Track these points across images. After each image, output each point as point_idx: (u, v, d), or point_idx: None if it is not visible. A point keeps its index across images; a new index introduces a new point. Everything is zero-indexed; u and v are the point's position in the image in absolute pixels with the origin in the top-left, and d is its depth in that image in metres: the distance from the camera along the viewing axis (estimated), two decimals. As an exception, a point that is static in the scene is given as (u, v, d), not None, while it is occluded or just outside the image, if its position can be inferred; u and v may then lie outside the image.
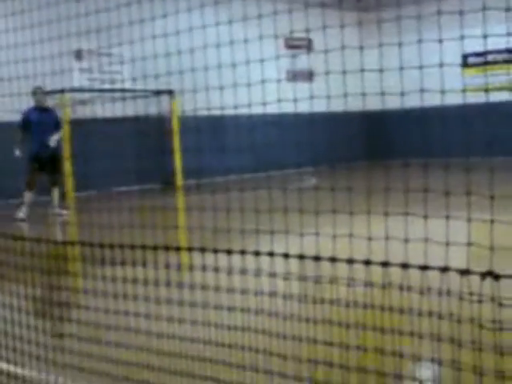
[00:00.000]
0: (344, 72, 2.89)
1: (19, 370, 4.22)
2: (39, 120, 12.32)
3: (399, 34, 3.42)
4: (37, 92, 12.42)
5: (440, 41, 2.53)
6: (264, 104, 3.46)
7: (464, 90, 17.43)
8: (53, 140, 12.38)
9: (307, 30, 3.13)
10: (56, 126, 12.62)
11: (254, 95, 4.11)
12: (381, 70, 2.71)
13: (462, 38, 2.62)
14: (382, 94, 2.68)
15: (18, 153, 12.15)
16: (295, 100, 3.33)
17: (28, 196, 12.23)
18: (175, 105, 17.55)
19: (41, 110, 12.51)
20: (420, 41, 2.53)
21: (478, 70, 21.13)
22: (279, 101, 3.47)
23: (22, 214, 12.21)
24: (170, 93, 17.28)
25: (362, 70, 2.77)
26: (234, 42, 3.41)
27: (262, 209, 3.63)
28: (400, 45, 2.66)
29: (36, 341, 4.08)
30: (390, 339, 2.96)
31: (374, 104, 20.14)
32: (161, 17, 4.20)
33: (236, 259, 3.28)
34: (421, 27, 2.77)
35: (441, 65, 2.41)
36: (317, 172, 19.20)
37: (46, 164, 12.42)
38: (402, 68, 2.65)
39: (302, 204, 3.29)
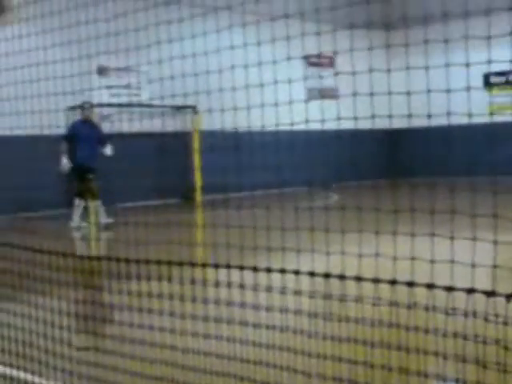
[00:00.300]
0: (371, 94, 2.93)
1: (44, 382, 4.27)
2: (86, 133, 12.76)
3: (425, 55, 3.45)
4: (84, 106, 12.91)
5: (467, 65, 2.57)
6: (291, 124, 3.51)
7: (491, 113, 17.36)
8: (109, 149, 12.80)
9: (335, 53, 3.18)
10: (100, 139, 12.99)
11: (279, 114, 4.17)
12: (408, 93, 2.75)
13: (489, 61, 2.66)
14: (409, 116, 2.72)
15: (65, 164, 12.55)
16: (322, 120, 3.37)
17: (80, 204, 12.58)
18: (197, 121, 17.65)
19: (87, 123, 12.95)
20: (447, 65, 2.57)
21: (501, 89, 21.09)
22: (307, 121, 3.51)
23: (75, 223, 12.56)
24: (194, 109, 17.39)
25: (390, 93, 2.81)
26: (262, 63, 3.46)
27: (288, 226, 3.66)
28: (427, 68, 2.70)
29: (61, 353, 4.13)
30: (415, 359, 2.97)
31: (398, 122, 20.12)
32: (189, 37, 4.28)
33: (262, 276, 3.32)
34: (447, 47, 2.81)
35: (468, 88, 2.44)
36: (339, 189, 19.21)
37: (90, 176, 12.74)
38: (429, 91, 2.69)
39: (328, 222, 3.32)
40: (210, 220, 13.23)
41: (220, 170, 17.04)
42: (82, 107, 13.06)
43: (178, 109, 17.30)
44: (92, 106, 13.37)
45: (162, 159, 16.91)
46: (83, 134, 12.72)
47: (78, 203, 12.70)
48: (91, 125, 13.12)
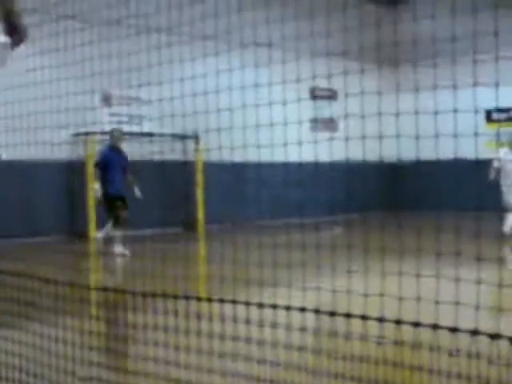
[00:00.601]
0: (378, 137, 2.99)
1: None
2: (116, 161, 12.81)
3: (433, 90, 3.50)
4: (115, 133, 12.97)
5: (475, 111, 2.63)
6: (299, 154, 3.57)
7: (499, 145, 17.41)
8: (138, 192, 12.89)
9: (342, 91, 3.25)
10: (126, 166, 13.06)
11: (279, 145, 4.22)
12: (416, 138, 2.81)
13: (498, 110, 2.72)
14: (418, 159, 2.78)
15: (97, 191, 12.59)
16: (328, 150, 3.43)
17: (119, 232, 12.62)
18: (200, 152, 17.70)
19: (117, 150, 12.99)
20: (455, 110, 2.63)
21: (502, 125, 21.21)
22: (315, 154, 3.57)
23: (120, 249, 12.58)
24: (196, 138, 17.47)
25: (396, 136, 2.87)
26: (261, 99, 3.52)
27: (295, 262, 3.70)
28: (435, 114, 2.77)
29: (65, 383, 4.15)
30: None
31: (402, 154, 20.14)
32: (189, 68, 4.36)
33: (267, 312, 3.35)
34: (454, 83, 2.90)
35: (475, 134, 2.51)
36: (336, 221, 19.23)
37: (122, 204, 12.82)
38: (437, 136, 2.76)
39: (333, 258, 3.37)
40: (211, 252, 13.25)
41: (223, 200, 17.15)
42: (111, 134, 13.10)
43: (182, 138, 17.40)
44: (122, 133, 13.33)
45: (165, 188, 16.98)
46: (114, 163, 12.79)
47: (117, 232, 12.68)
48: (120, 152, 13.11)
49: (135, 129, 16.94)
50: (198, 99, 4.08)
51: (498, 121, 21.44)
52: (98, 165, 12.84)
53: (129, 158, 13.24)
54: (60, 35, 5.47)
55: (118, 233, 12.70)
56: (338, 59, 4.55)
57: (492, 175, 14.00)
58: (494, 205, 14.05)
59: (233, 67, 3.83)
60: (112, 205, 12.76)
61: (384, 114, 2.88)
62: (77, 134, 15.09)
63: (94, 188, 12.70)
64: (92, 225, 15.59)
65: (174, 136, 17.05)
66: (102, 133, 16.12)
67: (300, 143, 3.75)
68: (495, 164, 13.97)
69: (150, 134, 16.61)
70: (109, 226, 12.85)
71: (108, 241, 12.99)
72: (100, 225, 14.61)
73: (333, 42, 3.78)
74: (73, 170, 16.05)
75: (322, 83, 19.86)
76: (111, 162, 12.78)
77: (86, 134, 15.49)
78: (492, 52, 3.21)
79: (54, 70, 5.39)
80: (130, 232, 12.92)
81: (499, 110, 21.20)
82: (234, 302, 3.47)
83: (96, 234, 12.86)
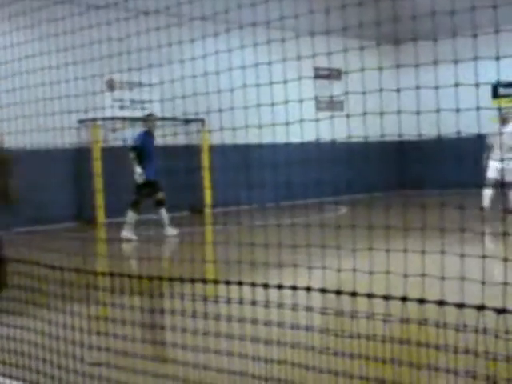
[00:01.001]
0: (381, 113, 2.97)
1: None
2: (150, 146, 12.84)
3: (435, 68, 3.47)
4: (149, 118, 12.95)
5: (476, 85, 2.61)
6: (301, 136, 3.55)
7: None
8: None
9: (347, 71, 3.22)
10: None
11: (290, 127, 4.19)
12: (417, 113, 2.78)
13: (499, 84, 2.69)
14: (419, 136, 2.76)
15: (141, 174, 12.56)
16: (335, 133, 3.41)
17: (133, 217, 12.62)
18: (205, 135, 17.66)
19: (151, 136, 13.00)
20: (456, 84, 2.61)
21: (509, 101, 21.08)
22: (318, 138, 3.55)
23: (128, 234, 12.54)
24: (202, 122, 17.41)
25: (399, 112, 2.85)
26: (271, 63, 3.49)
27: (298, 241, 3.70)
28: (437, 88, 2.74)
29: (73, 368, 4.17)
30: (425, 375, 2.99)
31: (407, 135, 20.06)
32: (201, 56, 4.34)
33: (273, 293, 3.35)
34: (456, 57, 2.85)
35: (477, 108, 2.48)
36: (345, 201, 19.21)
37: (157, 187, 12.86)
38: (438, 110, 2.73)
39: (338, 237, 3.36)
40: (218, 234, 13.26)
41: (230, 184, 17.12)
42: (145, 119, 13.07)
43: (187, 122, 17.35)
44: (155, 118, 13.32)
45: (172, 172, 16.97)
46: (151, 147, 12.87)
47: (132, 216, 12.70)
48: (153, 137, 13.15)
49: (138, 114, 16.88)
50: (199, 81, 4.05)
51: (504, 96, 21.30)
52: (136, 149, 12.80)
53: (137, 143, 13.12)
54: (59, 20, 5.44)
55: (133, 217, 12.70)
56: (339, 38, 4.51)
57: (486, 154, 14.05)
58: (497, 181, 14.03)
59: (232, 48, 3.80)
60: (145, 191, 12.80)
61: (386, 90, 2.85)
62: (82, 120, 15.05)
63: (138, 172, 12.69)
64: (100, 211, 15.60)
65: (177, 120, 16.99)
66: (105, 118, 16.10)
67: (315, 121, 3.71)
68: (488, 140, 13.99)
69: (162, 119, 16.50)
70: (131, 212, 12.81)
71: (137, 226, 12.97)
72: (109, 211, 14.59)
73: (332, 20, 3.74)
74: (80, 156, 16.04)
75: (324, 62, 19.73)
76: (149, 147, 12.83)
77: (93, 119, 15.45)
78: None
79: (54, 56, 5.37)
80: (136, 217, 12.88)
81: (505, 85, 21.06)
82: (239, 283, 3.46)
83: (123, 235, 12.77)
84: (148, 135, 12.93)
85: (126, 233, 12.57)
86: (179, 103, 5.13)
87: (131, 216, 12.62)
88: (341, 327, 3.12)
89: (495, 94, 21.43)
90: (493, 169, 13.81)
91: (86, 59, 5.36)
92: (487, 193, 13.58)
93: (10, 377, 4.43)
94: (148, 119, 13.06)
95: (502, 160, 13.36)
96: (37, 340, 4.43)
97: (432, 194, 15.52)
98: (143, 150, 12.67)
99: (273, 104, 3.38)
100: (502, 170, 13.34)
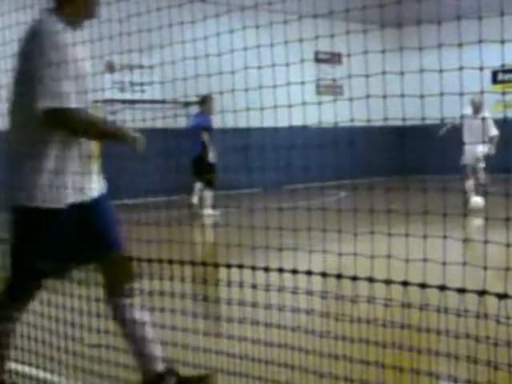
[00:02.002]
0: (384, 97, 2.95)
1: (56, 379, 4.32)
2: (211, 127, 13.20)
3: (439, 52, 3.44)
4: (209, 100, 13.14)
5: (481, 69, 2.58)
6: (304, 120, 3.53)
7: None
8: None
9: (349, 54, 3.19)
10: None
11: (291, 111, 4.16)
12: (421, 96, 2.76)
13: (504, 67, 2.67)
14: (423, 119, 2.74)
15: (214, 155, 12.98)
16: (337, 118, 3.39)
17: (210, 195, 12.95)
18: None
19: (209, 117, 13.29)
20: (461, 68, 2.59)
21: (507, 87, 21.02)
22: (320, 122, 3.53)
23: (211, 211, 13.08)
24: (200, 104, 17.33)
25: (402, 95, 2.83)
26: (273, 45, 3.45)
27: (298, 225, 3.69)
28: (441, 71, 2.72)
29: (73, 350, 4.18)
30: (426, 360, 2.99)
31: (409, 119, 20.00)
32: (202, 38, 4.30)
33: (274, 276, 3.35)
34: (460, 41, 2.81)
35: (482, 91, 2.47)
36: (345, 186, 19.19)
37: (214, 167, 13.41)
38: (442, 94, 2.71)
39: (340, 223, 3.35)
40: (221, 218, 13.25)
41: (230, 167, 17.08)
42: (203, 101, 13.24)
43: (186, 104, 17.27)
44: (212, 98, 13.36)
45: (171, 155, 16.92)
46: (212, 128, 13.21)
47: (210, 194, 13.19)
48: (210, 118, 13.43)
49: (137, 96, 16.83)
50: (200, 63, 4.02)
51: (503, 82, 21.23)
52: (208, 130, 13.09)
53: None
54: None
55: (210, 195, 13.13)
56: (341, 22, 4.47)
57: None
58: (498, 166, 14.02)
59: (234, 30, 3.76)
60: (208, 169, 13.18)
61: (388, 73, 2.83)
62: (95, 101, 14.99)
63: (212, 151, 13.04)
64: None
65: (177, 103, 16.90)
66: (105, 101, 16.03)
67: (317, 104, 3.67)
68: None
69: (154, 101, 16.49)
70: (202, 189, 13.21)
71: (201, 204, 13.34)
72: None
73: (336, 3, 3.71)
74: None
75: (326, 46, 19.62)
76: (211, 128, 13.14)
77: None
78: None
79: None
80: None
81: (505, 71, 20.99)
82: (240, 266, 3.46)
83: (192, 200, 13.20)
84: (207, 117, 13.33)
85: (210, 210, 13.09)
86: (180, 85, 5.08)
87: (209, 194, 13.16)
88: (341, 311, 3.12)
89: (495, 80, 21.37)
90: (467, 155, 13.94)
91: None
92: (469, 185, 13.59)
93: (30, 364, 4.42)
94: (208, 101, 13.28)
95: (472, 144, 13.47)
96: (35, 321, 4.41)
97: (433, 179, 15.53)
98: (210, 131, 13.13)
99: (275, 86, 3.36)
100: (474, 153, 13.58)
